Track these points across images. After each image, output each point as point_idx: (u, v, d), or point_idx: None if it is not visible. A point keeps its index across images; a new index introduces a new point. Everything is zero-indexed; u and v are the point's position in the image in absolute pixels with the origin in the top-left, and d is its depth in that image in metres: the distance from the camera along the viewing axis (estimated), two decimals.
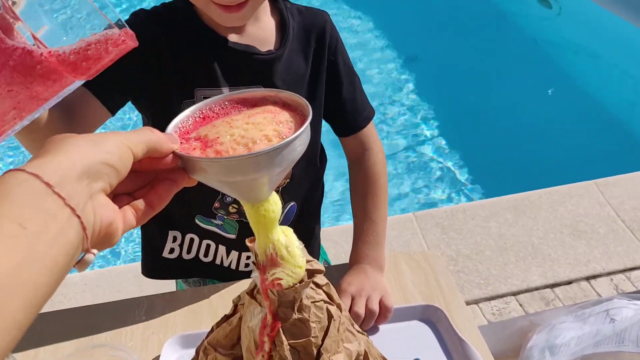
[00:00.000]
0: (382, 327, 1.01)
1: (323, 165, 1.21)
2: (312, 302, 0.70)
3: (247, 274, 1.17)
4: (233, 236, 1.14)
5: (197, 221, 1.13)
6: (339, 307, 0.75)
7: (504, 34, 4.31)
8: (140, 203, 0.51)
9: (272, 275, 0.65)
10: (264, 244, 0.64)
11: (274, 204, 0.62)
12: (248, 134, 0.55)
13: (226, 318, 0.83)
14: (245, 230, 1.13)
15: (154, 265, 1.21)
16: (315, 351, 0.71)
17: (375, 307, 0.99)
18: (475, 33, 4.28)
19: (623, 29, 3.97)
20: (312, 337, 0.70)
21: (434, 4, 4.59)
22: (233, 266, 1.17)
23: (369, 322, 0.99)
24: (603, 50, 3.98)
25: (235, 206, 1.11)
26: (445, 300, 1.06)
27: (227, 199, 1.10)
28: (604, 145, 3.14)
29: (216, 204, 1.10)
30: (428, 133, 3.31)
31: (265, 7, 1.04)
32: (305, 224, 1.21)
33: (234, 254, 1.16)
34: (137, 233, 2.17)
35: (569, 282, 2.09)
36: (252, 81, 1.02)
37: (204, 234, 1.15)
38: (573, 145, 3.15)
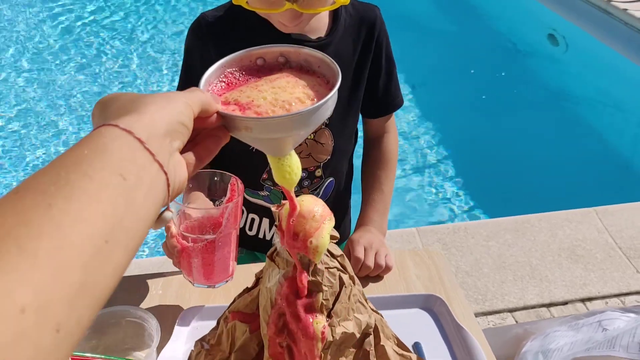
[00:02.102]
0: (384, 313, 1.05)
1: (355, 143, 1.32)
2: (325, 268, 0.76)
3: None
4: None
5: (245, 195, 1.22)
6: (351, 278, 0.81)
7: (511, 67, 4.42)
8: (190, 157, 0.53)
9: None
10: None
11: (296, 162, 0.67)
12: (280, 97, 0.59)
13: (247, 290, 0.88)
14: None
15: None
16: (325, 313, 0.76)
17: (383, 262, 1.10)
18: (481, 64, 4.39)
19: (625, 66, 4.07)
20: (324, 299, 0.76)
21: (442, 36, 4.72)
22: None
23: (375, 273, 1.12)
24: (607, 86, 4.09)
25: None
26: (447, 293, 1.11)
27: None
28: (605, 175, 3.21)
29: (264, 175, 1.21)
30: (434, 157, 3.38)
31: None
32: (341, 199, 1.30)
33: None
34: None
35: (565, 303, 2.13)
36: None
37: (250, 208, 1.25)
38: (574, 174, 3.23)
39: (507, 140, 3.53)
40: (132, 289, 1.09)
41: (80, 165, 0.40)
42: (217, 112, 0.56)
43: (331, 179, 1.24)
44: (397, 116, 3.71)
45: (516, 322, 2.06)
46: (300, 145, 0.61)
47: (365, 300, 0.85)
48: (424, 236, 2.39)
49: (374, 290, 1.11)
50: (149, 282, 1.11)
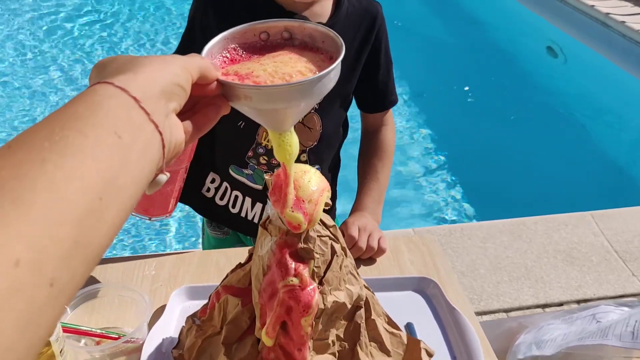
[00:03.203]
0: (378, 294, 1.06)
1: (344, 136, 1.31)
2: (317, 236, 0.76)
3: None
4: (260, 187, 1.25)
5: (230, 171, 1.24)
6: (343, 249, 0.81)
7: (510, 77, 4.45)
8: (188, 124, 0.53)
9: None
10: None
11: (296, 139, 0.68)
12: (280, 69, 0.58)
13: (240, 265, 0.89)
14: None
15: (190, 195, 1.29)
16: (317, 281, 0.76)
17: (375, 243, 1.11)
18: (480, 72, 4.43)
19: (623, 78, 4.11)
20: (315, 267, 0.76)
21: (442, 45, 4.75)
22: (256, 219, 1.27)
23: (367, 255, 1.12)
24: (604, 96, 4.12)
25: (265, 158, 1.21)
26: (441, 278, 1.11)
27: (260, 149, 1.21)
28: (601, 181, 3.23)
29: (249, 153, 1.21)
30: (433, 160, 3.40)
31: None
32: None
33: (258, 207, 1.27)
34: None
35: (560, 304, 2.13)
36: None
37: (234, 184, 1.25)
38: (571, 179, 3.24)
39: (505, 145, 3.56)
40: (125, 269, 1.09)
41: (74, 122, 0.40)
42: (217, 80, 0.55)
43: (317, 166, 1.25)
44: (396, 120, 3.73)
45: None
46: None
47: (357, 273, 0.85)
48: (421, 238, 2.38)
49: (367, 273, 1.11)
50: (142, 261, 1.11)
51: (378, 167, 1.28)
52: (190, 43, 1.19)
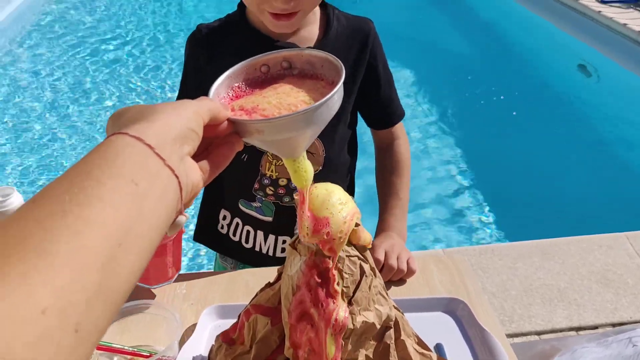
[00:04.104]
0: (407, 315, 1.05)
1: (354, 158, 1.30)
2: (346, 256, 0.77)
3: (283, 260, 1.25)
4: (270, 219, 1.24)
5: (240, 206, 1.23)
6: (372, 270, 0.81)
7: (544, 96, 4.42)
8: (204, 164, 0.54)
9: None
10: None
11: (308, 165, 0.68)
12: (284, 100, 0.61)
13: (269, 284, 0.89)
14: (280, 213, 1.23)
15: (207, 232, 1.31)
16: (346, 301, 0.77)
17: (404, 266, 1.10)
18: (512, 91, 4.40)
19: None
20: (344, 287, 0.76)
21: (473, 63, 4.75)
22: (270, 252, 1.26)
23: (397, 277, 1.12)
24: (637, 115, 4.05)
25: (272, 188, 1.21)
26: (470, 298, 1.10)
27: (265, 180, 1.21)
28: (637, 201, 3.16)
29: (256, 185, 1.21)
30: (462, 180, 3.38)
31: (315, 11, 1.15)
32: None
33: (271, 239, 1.25)
34: None
35: (595, 327, 2.08)
36: None
37: (245, 219, 1.25)
38: (604, 200, 3.18)
39: (537, 164, 3.52)
40: (157, 290, 1.11)
41: (92, 172, 0.42)
42: (228, 119, 0.57)
43: None
44: (425, 139, 3.72)
45: None
46: None
47: (386, 293, 0.85)
48: (451, 258, 2.36)
49: (397, 293, 1.10)
50: (173, 282, 1.13)
51: (397, 183, 1.27)
52: (186, 84, 1.22)
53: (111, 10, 5.86)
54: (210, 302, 1.08)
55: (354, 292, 0.77)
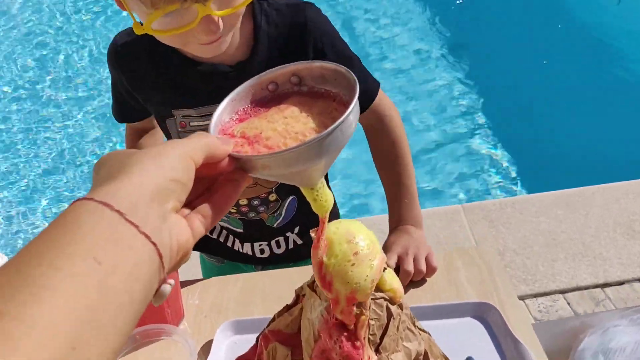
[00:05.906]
0: (434, 323, 0.99)
1: None
2: (371, 299, 0.70)
3: (265, 260, 1.24)
4: (241, 230, 1.21)
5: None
6: (400, 306, 0.74)
7: (562, 23, 4.19)
8: (205, 208, 0.48)
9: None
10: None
11: (328, 193, 0.61)
12: (292, 127, 0.53)
13: (287, 308, 0.83)
14: (250, 225, 1.19)
15: None
16: (373, 349, 0.70)
17: (423, 267, 1.03)
18: (530, 22, 4.18)
19: None
20: (370, 334, 0.70)
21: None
22: (250, 253, 1.24)
23: (417, 278, 1.05)
24: None
25: (234, 208, 1.15)
26: (500, 297, 1.04)
27: None
28: None
29: None
30: (477, 124, 3.25)
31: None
32: (307, 216, 1.19)
33: (247, 245, 1.23)
34: None
35: (621, 283, 2.03)
36: (225, 96, 0.99)
37: (221, 226, 1.24)
38: (629, 141, 3.05)
39: (554, 106, 3.36)
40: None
41: (46, 253, 0.36)
42: (229, 155, 0.49)
43: (291, 197, 1.15)
44: (447, 90, 3.53)
45: (568, 304, 1.97)
46: None
47: (414, 323, 0.78)
48: (470, 213, 2.29)
49: (421, 299, 1.04)
50: (185, 290, 1.07)
51: (399, 169, 1.16)
52: (116, 97, 1.14)
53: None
54: (224, 313, 1.03)
55: (381, 339, 0.70)
